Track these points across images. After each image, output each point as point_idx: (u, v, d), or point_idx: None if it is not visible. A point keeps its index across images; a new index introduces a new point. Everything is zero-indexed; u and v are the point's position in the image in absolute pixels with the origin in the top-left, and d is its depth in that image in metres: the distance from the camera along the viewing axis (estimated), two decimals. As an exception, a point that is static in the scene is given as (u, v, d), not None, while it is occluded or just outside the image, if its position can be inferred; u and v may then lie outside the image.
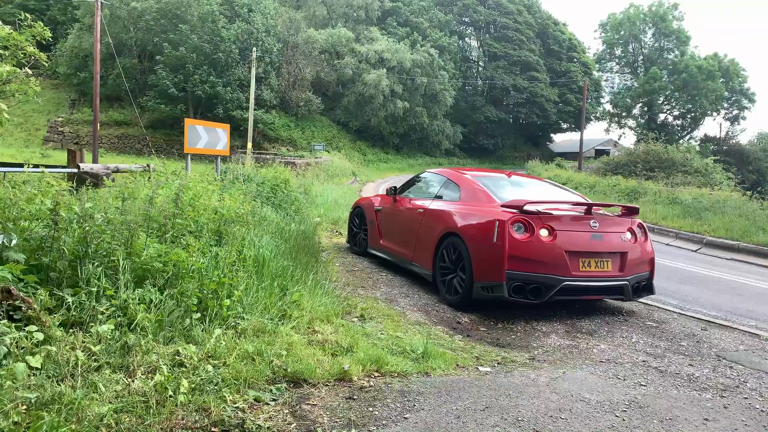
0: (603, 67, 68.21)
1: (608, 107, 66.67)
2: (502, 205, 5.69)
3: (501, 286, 5.27)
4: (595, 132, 75.10)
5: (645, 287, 6.04)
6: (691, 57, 62.43)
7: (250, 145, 29.21)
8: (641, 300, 6.47)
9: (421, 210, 6.78)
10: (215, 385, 3.12)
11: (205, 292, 3.93)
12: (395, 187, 7.84)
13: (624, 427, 3.16)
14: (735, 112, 63.57)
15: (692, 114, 63.54)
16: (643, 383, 3.90)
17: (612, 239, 5.69)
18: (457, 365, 4.03)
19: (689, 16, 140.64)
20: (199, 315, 3.74)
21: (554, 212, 5.62)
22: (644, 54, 66.16)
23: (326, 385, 3.44)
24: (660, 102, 63.66)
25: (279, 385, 3.32)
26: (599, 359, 4.44)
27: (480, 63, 62.52)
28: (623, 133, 66.84)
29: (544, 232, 5.39)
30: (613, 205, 6.33)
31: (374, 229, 8.01)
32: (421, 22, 52.71)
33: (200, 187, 6.08)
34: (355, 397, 3.30)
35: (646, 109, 64.16)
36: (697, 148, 42.47)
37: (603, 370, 4.15)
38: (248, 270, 4.63)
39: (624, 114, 65.84)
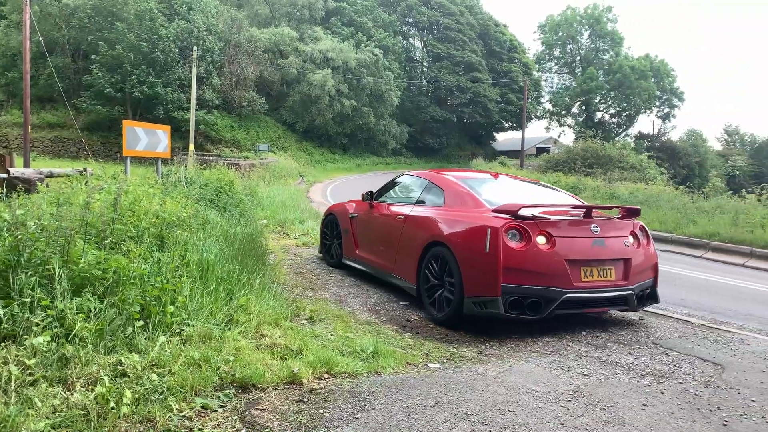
0: (542, 67, 70.10)
1: (548, 106, 68.60)
2: (494, 210, 5.14)
3: (496, 301, 4.74)
4: (536, 130, 77.28)
5: (649, 295, 5.54)
6: (624, 58, 64.96)
7: (192, 146, 28.52)
8: None
9: (402, 217, 6.18)
10: (160, 394, 3.04)
11: (147, 298, 3.81)
12: (371, 191, 7.22)
13: (568, 417, 3.26)
14: (666, 110, 66.55)
15: (627, 112, 66.11)
16: (585, 373, 4.04)
17: (615, 245, 5.20)
18: (407, 363, 4.06)
19: (622, 19, 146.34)
20: (141, 323, 3.62)
21: (551, 217, 5.10)
22: (581, 54, 68.38)
23: (276, 389, 3.40)
24: (597, 101, 65.95)
25: (227, 392, 3.27)
26: (544, 351, 4.56)
27: (424, 63, 63.15)
28: (563, 132, 68.97)
29: (541, 240, 4.88)
30: (613, 207, 5.81)
31: (349, 239, 7.32)
32: (365, 22, 52.78)
33: (140, 190, 5.90)
34: (305, 399, 3.28)
35: (584, 107, 66.34)
36: (632, 144, 44.22)
37: (548, 362, 4.27)
38: (192, 275, 4.52)
39: (563, 113, 67.87)
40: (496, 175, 6.66)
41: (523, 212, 4.97)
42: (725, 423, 3.30)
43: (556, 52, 69.90)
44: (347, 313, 5.40)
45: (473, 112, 59.38)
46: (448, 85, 57.09)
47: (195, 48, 30.92)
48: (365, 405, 3.25)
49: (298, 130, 44.66)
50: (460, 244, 5.16)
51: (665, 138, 59.54)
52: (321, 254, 8.15)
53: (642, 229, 5.60)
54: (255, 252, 6.33)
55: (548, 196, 6.22)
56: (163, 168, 9.76)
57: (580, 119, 66.16)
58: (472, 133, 65.12)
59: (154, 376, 3.15)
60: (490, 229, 4.87)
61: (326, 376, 3.66)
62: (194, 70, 29.53)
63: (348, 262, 7.32)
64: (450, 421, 3.10)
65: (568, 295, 4.84)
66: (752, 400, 3.67)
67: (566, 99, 66.47)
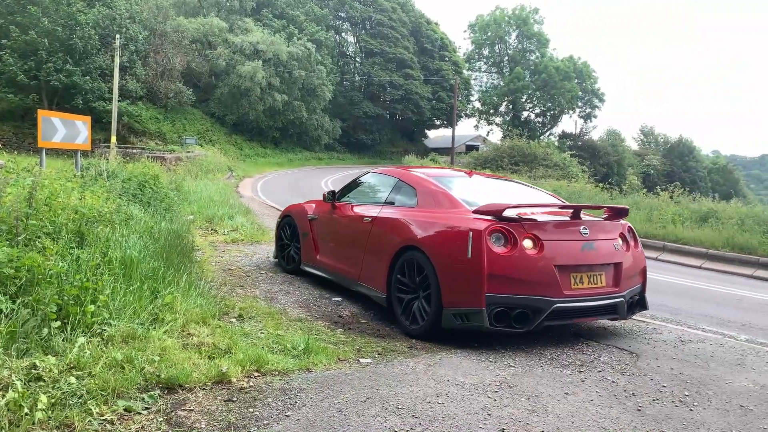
0: (472, 66, 71.62)
1: (477, 105, 70.21)
2: (475, 211, 4.71)
3: (480, 313, 4.34)
4: (466, 128, 78.79)
5: (638, 302, 5.18)
6: (549, 59, 67.37)
7: (114, 138, 27.28)
8: None
9: (369, 219, 5.64)
10: (79, 398, 2.90)
11: (65, 298, 3.62)
12: (334, 191, 6.65)
13: (495, 407, 3.36)
14: (588, 110, 69.58)
15: (552, 112, 68.65)
16: (512, 364, 4.17)
17: (605, 248, 4.83)
18: (339, 359, 4.06)
19: (548, 20, 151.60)
20: (59, 323, 3.44)
21: (538, 218, 4.71)
22: (509, 55, 70.34)
23: (203, 388, 3.32)
24: (523, 100, 68.09)
25: (152, 393, 3.16)
26: (472, 344, 4.67)
27: (357, 59, 63.12)
28: (491, 130, 70.67)
29: (528, 243, 4.49)
30: (600, 207, 5.47)
31: (309, 243, 6.71)
32: (297, 15, 52.11)
33: (58, 184, 5.59)
34: (234, 398, 3.22)
35: (511, 107, 68.35)
36: (556, 143, 46.05)
37: (476, 353, 4.38)
38: (115, 273, 4.33)
39: (492, 111, 69.66)
40: (470, 173, 6.21)
41: (507, 213, 4.56)
42: (639, 408, 3.50)
43: (486, 52, 71.59)
44: (278, 310, 5.33)
45: (405, 108, 59.93)
46: (381, 82, 57.33)
47: (117, 36, 29.55)
48: (296, 402, 3.22)
49: (227, 123, 43.58)
50: (437, 249, 4.70)
51: (587, 137, 62.23)
52: (276, 260, 7.53)
53: (630, 230, 5.24)
54: (181, 249, 6.14)
55: (528, 195, 5.85)
56: (82, 161, 9.28)
57: (508, 118, 68.12)
58: (405, 129, 65.72)
59: (73, 379, 3.00)
60: (471, 232, 4.44)
61: (256, 374, 3.61)
62: (117, 59, 28.24)
63: (307, 269, 6.74)
64: (381, 415, 3.13)
65: (558, 305, 4.44)
66: (663, 386, 3.90)
67: (494, 98, 68.24)
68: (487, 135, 69.62)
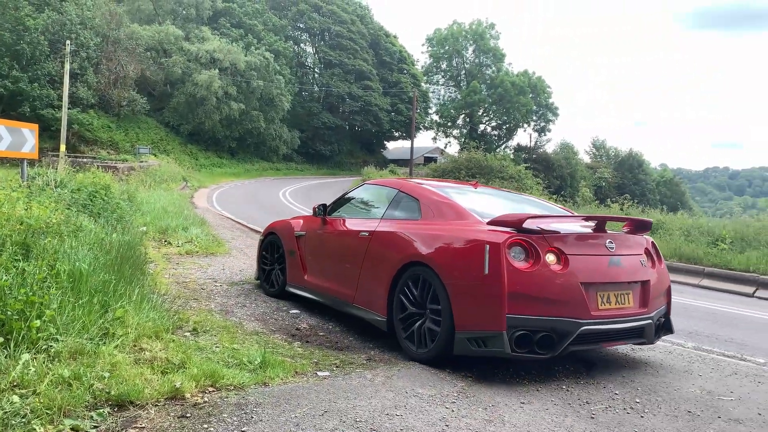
0: (430, 79, 72.54)
1: (435, 117, 71.05)
2: (490, 223, 4.31)
3: (499, 337, 3.90)
4: (424, 140, 79.83)
5: (664, 324, 4.76)
6: (505, 73, 68.86)
7: (63, 147, 26.41)
8: None
9: (366, 233, 5.18)
10: (23, 418, 2.77)
11: (9, 313, 3.47)
12: (324, 204, 6.11)
13: (453, 417, 3.37)
14: (542, 124, 71.28)
15: (507, 125, 70.04)
16: (469, 374, 4.20)
17: (632, 264, 4.44)
18: (296, 372, 4.01)
19: (504, 36, 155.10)
20: (1, 339, 3.29)
21: (561, 230, 4.29)
22: (466, 68, 71.56)
23: (156, 405, 3.22)
24: (480, 114, 69.29)
25: (101, 410, 3.04)
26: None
27: (316, 70, 63.09)
28: (449, 142, 71.57)
29: (551, 258, 4.06)
30: (624, 219, 5.04)
31: (296, 262, 6.17)
32: (255, 25, 51.78)
33: (2, 194, 5.38)
34: (188, 414, 3.14)
35: (468, 120, 69.44)
36: (512, 156, 46.93)
37: (434, 364, 4.40)
38: (63, 286, 4.17)
39: (449, 124, 70.60)
40: (475, 185, 5.79)
41: (528, 224, 4.13)
42: (593, 416, 3.57)
43: (443, 65, 72.65)
44: (234, 323, 5.24)
45: (365, 120, 60.14)
46: (340, 93, 57.43)
47: (68, 42, 28.73)
48: (252, 417, 3.16)
49: (182, 132, 42.82)
50: (447, 265, 4.26)
51: (541, 150, 63.65)
52: (258, 281, 6.96)
53: (654, 245, 4.86)
54: (134, 261, 5.97)
55: (540, 207, 5.45)
56: (29, 170, 8.95)
57: (465, 131, 69.15)
58: (364, 141, 65.91)
59: (16, 398, 2.86)
60: (488, 246, 4.02)
61: (211, 389, 3.52)
62: (67, 66, 27.43)
63: (293, 290, 6.18)
64: (339, 428, 3.10)
65: (585, 327, 4.02)
66: (615, 393, 4.00)
67: (452, 111, 69.22)
68: (445, 147, 70.51)
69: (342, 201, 6.14)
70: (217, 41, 44.24)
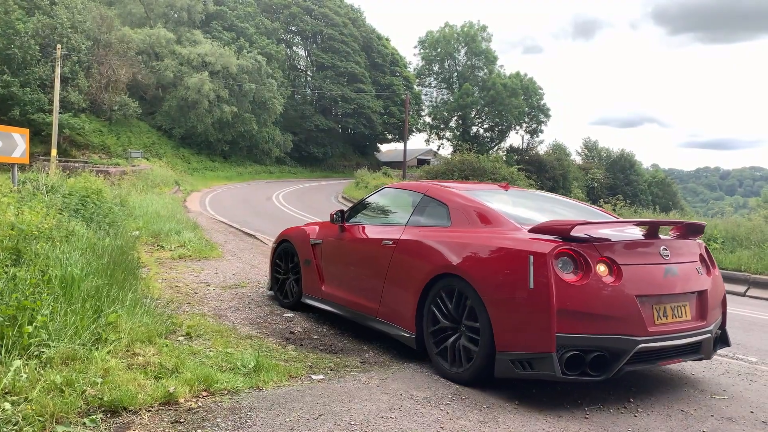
0: (423, 81, 72.60)
1: (428, 120, 71.10)
2: (532, 230, 3.92)
3: (548, 358, 3.54)
4: (417, 143, 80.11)
5: (721, 337, 4.38)
6: (497, 75, 68.99)
7: (54, 152, 26.29)
8: None
9: (390, 242, 4.81)
10: (14, 425, 2.75)
11: (0, 318, 3.45)
12: (342, 211, 5.70)
13: (448, 419, 3.38)
14: (534, 125, 71.37)
15: (500, 127, 70.17)
16: (463, 376, 4.20)
17: (688, 273, 4.06)
18: (290, 376, 4.01)
19: (495, 38, 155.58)
20: (-8, 346, 3.27)
21: (611, 237, 3.92)
22: (458, 71, 71.67)
23: (149, 410, 3.21)
24: (473, 116, 69.38)
25: (94, 417, 3.03)
26: (425, 356, 4.68)
27: (308, 72, 63.06)
28: (442, 144, 71.64)
29: (602, 269, 3.70)
30: (678, 222, 4.50)
31: (312, 272, 5.81)
32: (247, 28, 51.71)
33: (-8, 199, 5.34)
34: (182, 419, 3.13)
35: (460, 122, 69.53)
36: (504, 157, 46.98)
37: (428, 366, 4.40)
38: (55, 291, 4.15)
39: (442, 126, 70.66)
40: (506, 187, 5.33)
41: (577, 232, 3.76)
42: (587, 416, 3.58)
43: (436, 68, 72.71)
44: (227, 327, 5.22)
45: (357, 122, 60.15)
46: (333, 95, 57.41)
47: (59, 46, 28.60)
48: (246, 422, 3.15)
49: (175, 136, 42.68)
50: (485, 278, 3.90)
51: (533, 152, 63.82)
52: (272, 292, 6.58)
53: (707, 251, 4.46)
54: (126, 265, 5.95)
55: (583, 211, 5.00)
56: (20, 175, 8.90)
57: (458, 133, 69.20)
58: (357, 143, 65.90)
59: (7, 405, 2.85)
60: (532, 257, 3.65)
61: (205, 394, 3.51)
62: (58, 70, 27.31)
63: (310, 302, 5.83)
64: (334, 431, 3.10)
65: (642, 345, 3.65)
66: (609, 393, 4.01)
67: (444, 113, 69.29)
68: (438, 149, 70.60)
69: (361, 206, 5.76)
70: (208, 44, 44.15)
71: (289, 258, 6.27)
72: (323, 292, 5.64)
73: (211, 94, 41.33)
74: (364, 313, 5.05)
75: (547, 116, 71.70)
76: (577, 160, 66.43)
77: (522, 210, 4.67)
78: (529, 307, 3.64)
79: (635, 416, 3.61)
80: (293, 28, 60.57)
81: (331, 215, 5.70)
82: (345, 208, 5.81)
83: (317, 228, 6.04)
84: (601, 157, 70.02)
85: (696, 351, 4.04)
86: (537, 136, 70.97)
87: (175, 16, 47.57)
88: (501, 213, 4.32)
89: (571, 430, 3.33)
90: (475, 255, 4.06)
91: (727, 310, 4.50)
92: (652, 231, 4.14)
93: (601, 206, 19.77)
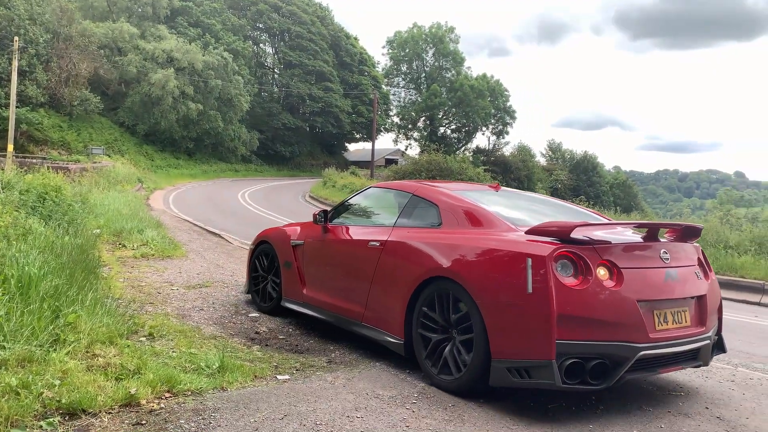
0: (391, 81, 72.77)
1: (396, 120, 71.33)
2: (529, 232, 3.79)
3: (548, 367, 3.39)
4: (386, 142, 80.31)
5: (717, 343, 4.23)
6: (465, 77, 69.62)
7: (11, 147, 25.50)
8: None
9: (377, 244, 4.62)
10: (-34, 430, 2.66)
11: (-49, 320, 3.33)
12: (326, 210, 5.49)
13: (413, 418, 3.40)
14: (500, 127, 72.27)
15: (467, 128, 70.83)
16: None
17: (687, 277, 3.96)
18: (256, 376, 3.97)
19: (462, 39, 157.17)
20: (-57, 348, 3.15)
21: (611, 240, 3.80)
22: (426, 71, 72.07)
23: (109, 412, 3.14)
24: (440, 116, 69.89)
25: (51, 419, 2.95)
26: (391, 356, 4.69)
27: (276, 70, 62.56)
28: (410, 144, 71.92)
29: (603, 273, 3.57)
30: (679, 225, 4.39)
31: (292, 274, 5.58)
32: (213, 24, 51.00)
33: (-56, 196, 5.15)
34: (143, 422, 3.07)
35: (428, 122, 69.95)
36: (471, 158, 47.49)
37: (394, 365, 4.41)
38: (11, 291, 4.03)
39: (410, 126, 70.97)
40: (497, 187, 5.21)
41: (577, 234, 3.64)
42: (550, 412, 3.64)
43: (404, 68, 72.96)
44: (191, 327, 5.14)
45: (325, 121, 59.92)
46: (300, 94, 57.08)
47: (16, 38, 27.72)
48: (210, 423, 3.11)
49: (138, 132, 41.81)
50: (479, 282, 3.74)
51: (499, 153, 64.57)
52: (249, 294, 6.35)
53: (704, 254, 4.36)
54: (86, 264, 5.80)
55: (578, 213, 4.85)
56: (-27, 170, 8.60)
57: (425, 133, 69.62)
58: (325, 142, 65.65)
59: (-41, 409, 2.75)
60: (530, 259, 3.51)
61: (167, 395, 3.45)
62: (15, 63, 26.49)
63: (290, 306, 5.60)
64: (299, 432, 3.09)
65: (643, 352, 3.53)
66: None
67: (412, 113, 69.61)
68: (406, 149, 70.84)
69: (345, 206, 5.54)
70: (174, 40, 43.40)
71: (268, 260, 6.02)
72: (304, 296, 5.42)
73: (175, 90, 40.64)
74: (348, 318, 4.85)
75: (513, 118, 72.70)
76: (542, 161, 67.49)
77: (515, 211, 4.49)
78: (528, 312, 3.49)
79: (596, 412, 3.70)
80: (260, 25, 59.99)
81: (314, 215, 5.48)
82: (324, 209, 5.57)
83: (298, 229, 5.83)
84: (564, 159, 71.27)
85: (695, 358, 3.94)
86: (503, 138, 71.91)
87: (139, 10, 46.64)
88: (495, 214, 4.17)
89: (535, 427, 3.39)
90: (469, 257, 3.90)
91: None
92: (651, 234, 4.02)
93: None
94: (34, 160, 26.27)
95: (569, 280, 3.48)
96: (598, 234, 3.88)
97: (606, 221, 4.49)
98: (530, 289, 3.47)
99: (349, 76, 63.57)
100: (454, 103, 67.99)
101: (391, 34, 73.32)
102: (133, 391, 3.33)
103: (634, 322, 3.53)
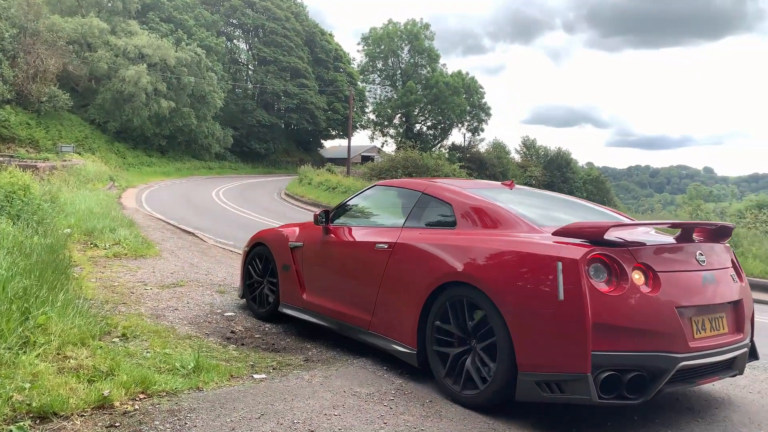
0: (366, 78, 72.67)
1: (372, 116, 71.29)
2: (556, 233, 3.51)
3: (583, 380, 3.13)
4: (362, 139, 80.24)
5: (750, 350, 3.92)
6: (440, 74, 69.87)
7: (-23, 145, 24.79)
8: None
9: (385, 246, 4.34)
10: (-68, 436, 2.59)
11: None
12: (327, 210, 5.17)
13: (391, 414, 3.41)
14: (475, 124, 72.73)
15: (442, 125, 71.13)
16: (406, 372, 4.24)
17: (724, 281, 3.71)
18: (232, 376, 3.94)
19: (438, 37, 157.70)
20: None
21: (645, 241, 3.54)
22: (402, 68, 72.12)
23: (82, 415, 3.09)
24: (416, 113, 70.04)
25: (21, 423, 2.89)
26: (368, 353, 4.70)
27: (250, 66, 61.96)
28: (386, 141, 71.96)
29: (638, 277, 3.31)
30: (710, 224, 4.03)
31: (291, 278, 5.28)
32: (186, 20, 50.27)
33: None
34: (117, 424, 3.02)
35: (404, 119, 70.06)
36: (447, 155, 47.76)
37: (372, 363, 4.42)
38: (-23, 293, 3.93)
39: (386, 123, 71.00)
40: (511, 185, 4.85)
41: (610, 235, 3.40)
42: (524, 408, 3.68)
43: (379, 65, 72.93)
44: (165, 327, 5.07)
45: (301, 118, 59.57)
46: (275, 90, 56.64)
47: (-19, 32, 26.98)
48: (186, 423, 3.08)
49: (109, 130, 41.04)
50: (503, 287, 3.46)
51: (475, 149, 65.08)
52: (243, 299, 6.05)
53: (735, 256, 4.11)
54: (57, 265, 5.69)
55: (599, 213, 4.52)
56: (-63, 169, 8.36)
57: (401, 130, 69.71)
58: (300, 139, 65.28)
59: (-76, 415, 2.68)
60: (561, 263, 3.24)
61: (142, 396, 3.41)
62: (-20, 58, 25.75)
63: (288, 312, 5.30)
64: (276, 431, 3.07)
65: (683, 363, 3.26)
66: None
67: (388, 110, 69.66)
68: (382, 146, 70.86)
69: (348, 206, 5.24)
70: (145, 36, 42.66)
71: (264, 263, 5.72)
72: (304, 301, 5.13)
73: (148, 87, 39.98)
74: (353, 325, 4.57)
75: (488, 115, 73.22)
76: (516, 158, 68.16)
77: (534, 210, 4.19)
78: (559, 321, 3.22)
79: (565, 406, 3.74)
80: (234, 21, 59.33)
81: (315, 216, 5.18)
82: (325, 209, 5.27)
83: (297, 230, 5.51)
84: (539, 155, 72.00)
85: (730, 367, 3.68)
86: (478, 135, 72.41)
87: (109, 5, 45.73)
88: (515, 214, 3.89)
89: (513, 424, 3.42)
90: (491, 261, 3.62)
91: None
92: (686, 234, 3.72)
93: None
94: (1, 158, 25.63)
95: (603, 286, 3.23)
96: (628, 235, 3.63)
97: (631, 221, 4.14)
98: (561, 296, 3.20)
99: (324, 72, 63.28)
100: (429, 100, 68.20)
101: (366, 31, 73.21)
102: (106, 392, 3.28)
103: (672, 331, 3.28)
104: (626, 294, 3.22)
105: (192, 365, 3.90)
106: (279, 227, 6.07)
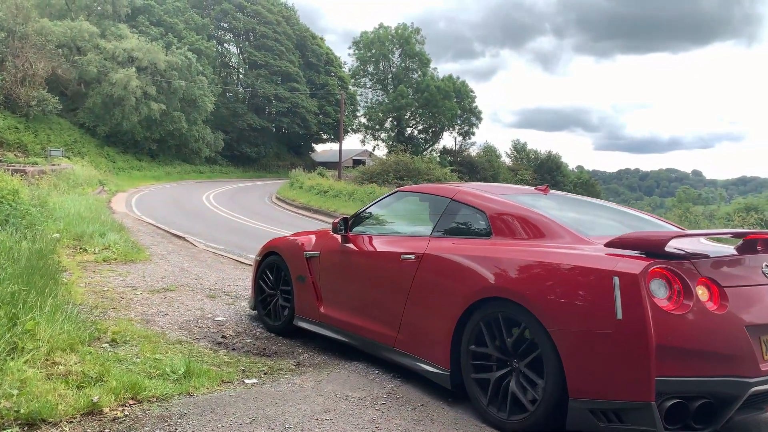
0: (358, 82, 72.78)
1: (363, 120, 71.39)
2: (608, 245, 3.17)
3: (645, 409, 2.82)
4: (353, 143, 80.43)
5: None
6: (431, 78, 70.10)
7: (-35, 149, 24.57)
8: None
9: (412, 257, 4.02)
10: None
11: None
12: (346, 218, 4.82)
13: (383, 419, 3.40)
14: (466, 128, 72.97)
15: (433, 129, 71.33)
16: (397, 376, 4.24)
17: None
18: (222, 381, 3.92)
19: (429, 41, 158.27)
20: None
21: (709, 253, 3.21)
22: (393, 72, 72.27)
23: (71, 422, 3.06)
24: (407, 117, 70.20)
25: (9, 431, 2.86)
26: (360, 357, 4.69)
27: (240, 70, 61.89)
28: (377, 145, 72.07)
29: (702, 293, 2.99)
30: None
31: (307, 290, 4.97)
32: (176, 23, 50.15)
33: None
34: (106, 430, 3.00)
35: (395, 123, 70.17)
36: (438, 159, 47.88)
37: (363, 367, 4.41)
38: (-36, 299, 3.89)
39: (377, 127, 71.09)
40: (545, 190, 4.44)
41: (671, 247, 3.09)
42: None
43: (370, 69, 73.04)
44: (155, 332, 5.04)
45: (292, 122, 59.56)
46: (266, 94, 56.61)
47: (-32, 36, 26.76)
48: (176, 429, 3.06)
49: (99, 134, 40.80)
50: (551, 305, 3.13)
51: (466, 153, 65.28)
52: (255, 311, 5.76)
53: None
54: (45, 270, 5.63)
55: (647, 222, 4.19)
56: (-76, 174, 8.27)
57: (393, 134, 69.83)
58: (291, 143, 65.26)
59: None
60: (618, 278, 2.92)
61: (132, 402, 3.39)
62: (-33, 61, 25.53)
63: (303, 325, 5.01)
64: (267, 436, 3.06)
65: (756, 388, 2.93)
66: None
67: (380, 114, 69.77)
68: (374, 150, 70.94)
69: (368, 213, 4.90)
70: (135, 39, 42.49)
71: (277, 273, 5.41)
72: (321, 315, 4.83)
73: (138, 90, 39.79)
74: (377, 342, 4.27)
75: (479, 119, 73.47)
76: (507, 161, 68.51)
77: (577, 218, 3.91)
78: (618, 342, 2.89)
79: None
80: (225, 25, 59.27)
81: (334, 224, 4.84)
82: (344, 216, 4.96)
83: (313, 238, 5.18)
84: (529, 159, 72.37)
85: None
86: (469, 138, 72.66)
87: (99, 8, 45.53)
88: (560, 222, 3.56)
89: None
90: (535, 275, 3.27)
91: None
92: (750, 244, 3.33)
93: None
94: (-11, 163, 25.41)
95: (666, 303, 2.90)
96: (687, 245, 3.30)
97: (680, 230, 3.87)
98: (620, 315, 2.88)
99: (315, 76, 63.32)
100: (420, 104, 68.40)
101: (358, 35, 73.32)
102: (95, 398, 3.25)
103: (743, 352, 2.95)
104: (691, 312, 2.91)
105: (182, 370, 3.87)
106: (292, 235, 5.79)
